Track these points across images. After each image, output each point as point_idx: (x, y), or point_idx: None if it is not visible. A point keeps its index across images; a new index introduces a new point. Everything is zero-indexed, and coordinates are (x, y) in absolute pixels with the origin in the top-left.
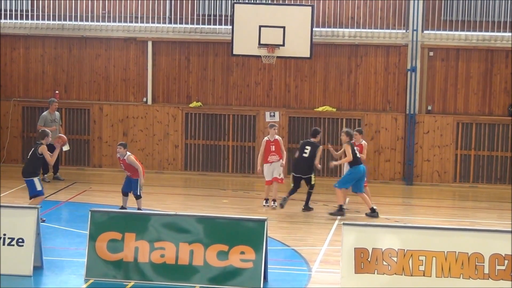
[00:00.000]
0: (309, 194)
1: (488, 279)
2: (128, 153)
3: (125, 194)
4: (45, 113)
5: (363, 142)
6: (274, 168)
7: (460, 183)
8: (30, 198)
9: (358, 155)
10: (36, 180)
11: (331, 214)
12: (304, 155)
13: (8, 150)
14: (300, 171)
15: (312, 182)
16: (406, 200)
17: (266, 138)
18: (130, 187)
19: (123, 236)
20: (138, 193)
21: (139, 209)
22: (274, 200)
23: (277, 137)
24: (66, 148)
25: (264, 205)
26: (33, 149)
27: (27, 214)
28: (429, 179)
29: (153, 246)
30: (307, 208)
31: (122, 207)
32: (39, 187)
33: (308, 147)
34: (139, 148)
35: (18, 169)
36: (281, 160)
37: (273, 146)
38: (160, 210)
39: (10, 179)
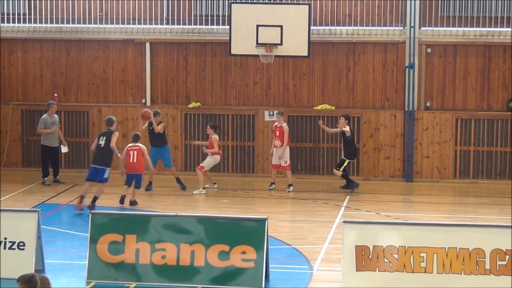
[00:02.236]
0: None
1: (490, 274)
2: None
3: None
4: (44, 115)
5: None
6: (277, 153)
7: (460, 179)
8: (89, 181)
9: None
10: (108, 170)
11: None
12: None
13: (8, 154)
14: None
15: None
16: (407, 197)
17: (275, 123)
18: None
19: (124, 238)
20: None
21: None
22: (290, 185)
23: (283, 124)
24: (64, 150)
25: (268, 189)
26: (104, 137)
27: (28, 218)
28: (429, 175)
29: (154, 247)
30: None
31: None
32: (106, 175)
33: None
34: None
35: (18, 173)
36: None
37: (278, 132)
38: (160, 211)
39: (10, 183)
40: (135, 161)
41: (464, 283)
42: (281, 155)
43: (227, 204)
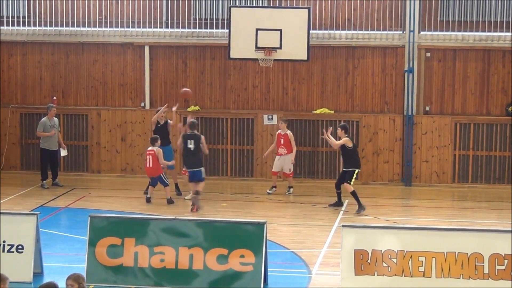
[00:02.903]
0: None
1: (488, 279)
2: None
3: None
4: (44, 118)
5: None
6: (284, 162)
7: (459, 184)
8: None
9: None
10: (203, 169)
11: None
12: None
13: (7, 157)
14: None
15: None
16: (405, 201)
17: (278, 131)
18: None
19: (123, 241)
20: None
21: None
22: (290, 187)
23: (288, 132)
24: (64, 153)
25: (267, 192)
26: (192, 140)
27: (26, 221)
28: (428, 179)
29: (152, 250)
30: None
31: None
32: (204, 175)
33: None
34: (137, 153)
35: (17, 176)
36: (289, 155)
37: (282, 139)
38: (159, 215)
39: (9, 186)
40: (151, 165)
41: (462, 287)
42: (293, 160)
43: (226, 207)
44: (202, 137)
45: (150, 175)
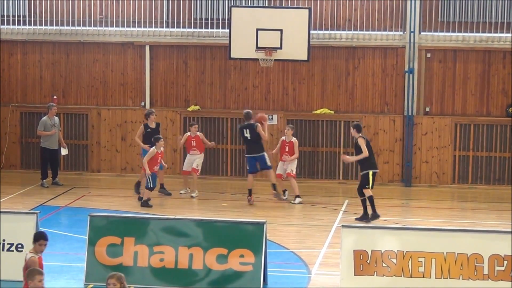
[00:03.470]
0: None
1: (488, 279)
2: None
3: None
4: (44, 117)
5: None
6: (288, 165)
7: (458, 184)
8: (252, 173)
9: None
10: (266, 155)
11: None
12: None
13: (7, 156)
14: None
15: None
16: (405, 202)
17: (282, 138)
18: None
19: (122, 241)
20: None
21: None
22: (297, 196)
23: (293, 139)
24: (64, 152)
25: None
26: (248, 129)
27: (26, 220)
28: (428, 180)
29: (152, 250)
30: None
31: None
32: (269, 162)
33: None
34: (137, 152)
35: (17, 175)
36: (293, 158)
37: (287, 147)
38: (159, 214)
39: (9, 185)
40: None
41: None
42: (291, 160)
43: (225, 207)
44: (258, 125)
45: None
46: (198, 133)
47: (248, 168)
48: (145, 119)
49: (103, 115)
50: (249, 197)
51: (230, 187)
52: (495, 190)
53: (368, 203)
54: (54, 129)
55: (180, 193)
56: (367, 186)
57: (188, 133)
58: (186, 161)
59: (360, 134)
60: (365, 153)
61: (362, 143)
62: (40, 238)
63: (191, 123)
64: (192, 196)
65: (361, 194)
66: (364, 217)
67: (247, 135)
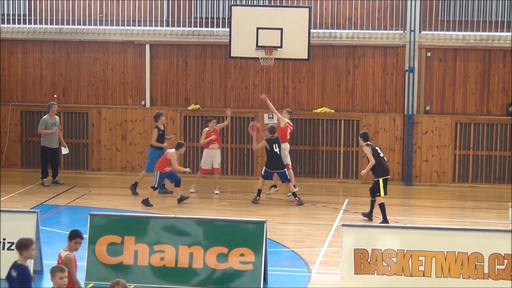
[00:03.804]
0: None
1: (488, 278)
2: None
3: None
4: (45, 116)
5: None
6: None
7: (459, 183)
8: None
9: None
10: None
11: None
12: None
13: (7, 155)
14: None
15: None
16: (405, 201)
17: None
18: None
19: (123, 240)
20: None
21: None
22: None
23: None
24: (65, 151)
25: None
26: (276, 144)
27: (27, 219)
28: (428, 179)
29: (152, 249)
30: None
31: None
32: (289, 176)
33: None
34: (137, 151)
35: (17, 174)
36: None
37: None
38: (159, 213)
39: (9, 184)
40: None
41: (462, 287)
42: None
43: (226, 206)
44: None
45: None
46: (216, 127)
47: (263, 174)
48: (155, 121)
49: (103, 114)
50: (257, 197)
51: (230, 186)
52: (495, 189)
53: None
54: (55, 128)
55: (216, 193)
56: (378, 194)
57: (207, 129)
58: (205, 157)
59: (368, 143)
60: (372, 161)
61: (367, 151)
62: (76, 236)
63: (208, 117)
64: (191, 192)
65: (372, 195)
66: (369, 216)
67: (277, 150)
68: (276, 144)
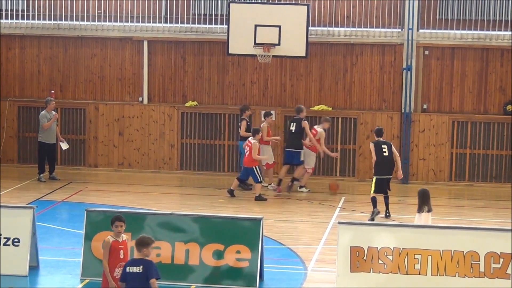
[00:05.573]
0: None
1: (484, 277)
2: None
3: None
4: (43, 111)
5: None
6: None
7: (455, 182)
8: (287, 165)
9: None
10: (302, 152)
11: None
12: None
13: (4, 150)
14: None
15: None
16: (402, 199)
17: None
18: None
19: None
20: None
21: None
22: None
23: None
24: (65, 147)
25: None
26: (294, 123)
27: (23, 214)
28: (425, 177)
29: None
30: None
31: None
32: (302, 158)
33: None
34: (135, 147)
35: (14, 169)
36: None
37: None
38: (155, 210)
39: (6, 179)
40: (246, 155)
41: (458, 285)
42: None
43: (222, 203)
44: (305, 121)
45: (244, 165)
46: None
47: (283, 159)
48: (242, 114)
49: (100, 110)
50: (278, 187)
51: (227, 183)
52: (492, 187)
53: (383, 201)
54: (55, 114)
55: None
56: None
57: (265, 124)
58: (268, 153)
59: (377, 139)
60: (373, 157)
61: (371, 148)
62: (114, 220)
63: (266, 112)
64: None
65: (385, 192)
66: (385, 214)
67: (292, 128)
68: (294, 123)
